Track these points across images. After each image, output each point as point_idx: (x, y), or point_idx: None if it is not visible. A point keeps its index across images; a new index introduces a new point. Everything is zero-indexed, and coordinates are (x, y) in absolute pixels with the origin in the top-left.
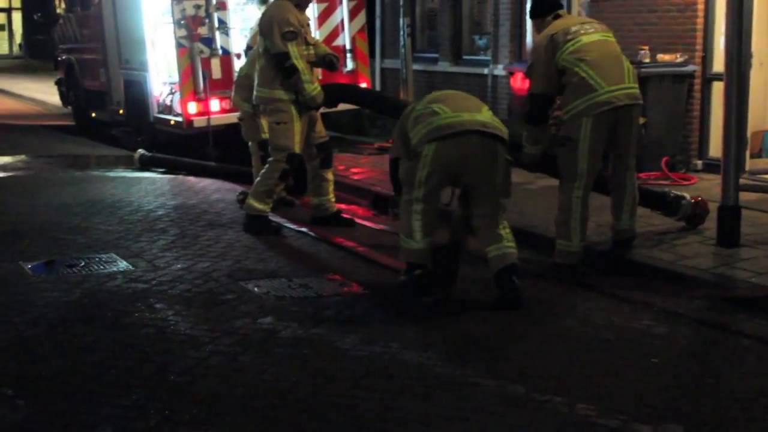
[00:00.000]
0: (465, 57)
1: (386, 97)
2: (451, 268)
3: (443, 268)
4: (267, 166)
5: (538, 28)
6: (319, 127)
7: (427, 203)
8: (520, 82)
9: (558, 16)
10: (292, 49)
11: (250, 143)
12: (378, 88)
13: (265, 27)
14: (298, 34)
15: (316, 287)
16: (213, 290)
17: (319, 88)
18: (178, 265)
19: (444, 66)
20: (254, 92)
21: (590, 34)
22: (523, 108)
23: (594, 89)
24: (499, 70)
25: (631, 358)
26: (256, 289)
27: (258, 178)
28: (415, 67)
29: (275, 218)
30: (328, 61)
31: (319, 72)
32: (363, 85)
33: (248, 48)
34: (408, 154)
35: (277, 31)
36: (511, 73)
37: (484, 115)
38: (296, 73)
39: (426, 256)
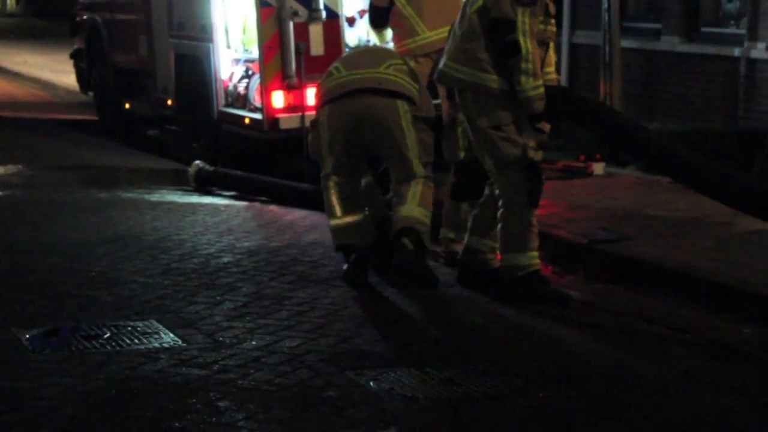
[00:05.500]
0: (704, 29)
1: (641, 130)
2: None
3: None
4: (503, 198)
5: None
6: None
7: (340, 176)
8: None
9: None
10: (523, 18)
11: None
12: (565, 72)
13: None
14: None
15: (465, 383)
16: (306, 383)
17: (542, 88)
18: (253, 343)
19: (670, 43)
20: (441, 67)
21: None
22: None
23: None
24: (760, 51)
25: None
26: (372, 383)
27: (500, 226)
28: (625, 43)
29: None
30: None
31: None
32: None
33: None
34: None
35: None
36: None
37: (384, 70)
38: (518, 55)
39: (354, 232)
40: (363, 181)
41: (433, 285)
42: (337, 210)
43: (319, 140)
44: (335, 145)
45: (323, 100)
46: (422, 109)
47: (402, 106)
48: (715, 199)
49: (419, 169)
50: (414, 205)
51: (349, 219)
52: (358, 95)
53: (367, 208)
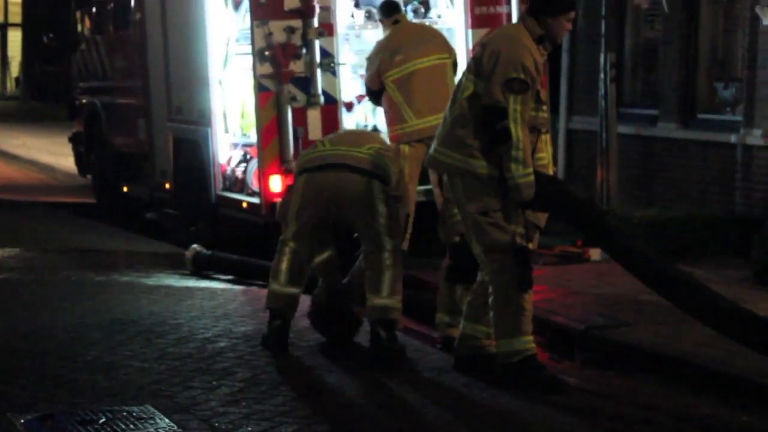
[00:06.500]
0: (700, 116)
1: (621, 237)
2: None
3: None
4: (492, 283)
5: None
6: None
7: (298, 243)
8: None
9: None
10: (515, 106)
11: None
12: (562, 158)
13: (486, 62)
14: (530, 86)
15: None
16: None
17: (532, 176)
18: (249, 429)
19: (667, 129)
20: (431, 152)
21: None
22: None
23: None
24: (756, 138)
25: None
26: None
27: (491, 312)
28: (622, 129)
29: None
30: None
31: None
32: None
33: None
34: None
35: (499, 74)
36: None
37: (365, 150)
38: (508, 142)
39: (288, 302)
40: (324, 255)
41: (402, 362)
42: (282, 278)
43: (289, 204)
44: (304, 212)
45: (302, 168)
46: (397, 189)
47: (376, 185)
48: (697, 319)
49: (387, 241)
50: (386, 296)
51: (289, 290)
52: (335, 169)
53: (320, 280)
